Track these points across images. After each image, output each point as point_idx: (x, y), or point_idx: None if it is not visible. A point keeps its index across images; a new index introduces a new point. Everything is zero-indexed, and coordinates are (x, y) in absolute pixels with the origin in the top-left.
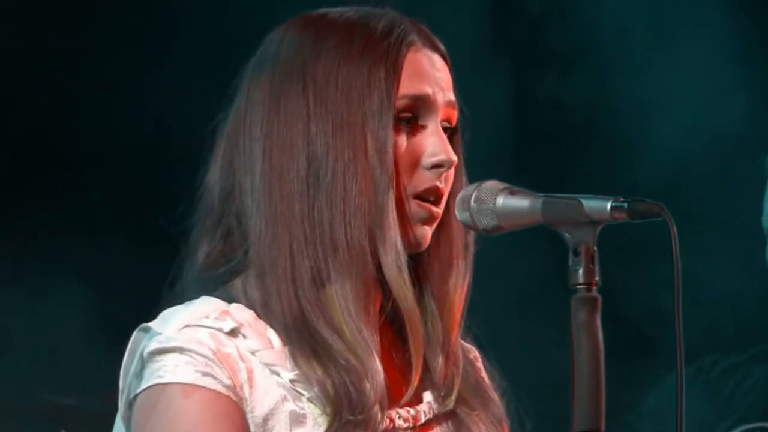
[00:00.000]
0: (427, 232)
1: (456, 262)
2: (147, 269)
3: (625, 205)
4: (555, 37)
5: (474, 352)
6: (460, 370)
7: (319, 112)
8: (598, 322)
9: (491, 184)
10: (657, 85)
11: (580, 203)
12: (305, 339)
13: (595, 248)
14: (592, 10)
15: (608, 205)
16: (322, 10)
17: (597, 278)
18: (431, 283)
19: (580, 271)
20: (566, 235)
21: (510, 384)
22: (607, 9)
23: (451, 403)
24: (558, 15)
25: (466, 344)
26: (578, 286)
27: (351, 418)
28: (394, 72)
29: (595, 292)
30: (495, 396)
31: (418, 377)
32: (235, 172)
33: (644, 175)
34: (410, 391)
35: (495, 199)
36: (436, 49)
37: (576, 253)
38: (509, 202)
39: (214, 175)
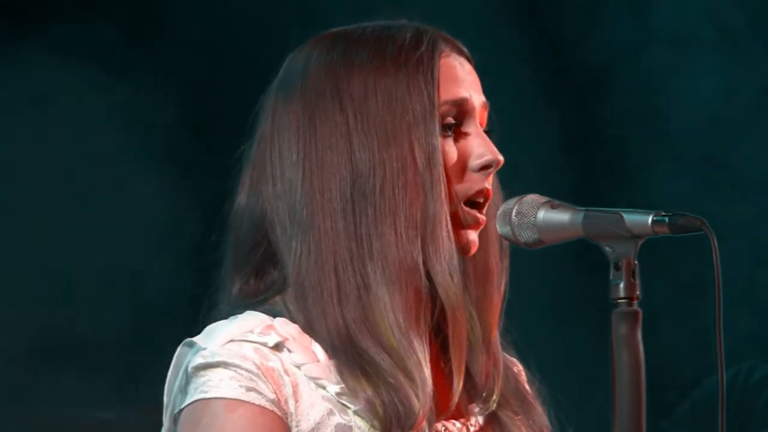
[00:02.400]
0: (475, 237)
1: (494, 264)
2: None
3: (666, 219)
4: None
5: (518, 366)
6: (501, 369)
7: (361, 127)
8: (639, 336)
9: (532, 198)
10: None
11: (621, 217)
12: (353, 358)
13: (636, 262)
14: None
15: (649, 219)
16: (341, 28)
17: (638, 292)
18: (470, 285)
19: (621, 285)
20: (607, 249)
21: (551, 390)
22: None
23: (493, 404)
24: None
25: (509, 357)
26: (619, 301)
27: None
28: (432, 79)
29: (636, 306)
30: (538, 405)
31: (461, 382)
32: (265, 201)
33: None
34: (455, 398)
35: (536, 212)
36: (462, 53)
37: (617, 267)
38: (550, 216)
39: (241, 205)
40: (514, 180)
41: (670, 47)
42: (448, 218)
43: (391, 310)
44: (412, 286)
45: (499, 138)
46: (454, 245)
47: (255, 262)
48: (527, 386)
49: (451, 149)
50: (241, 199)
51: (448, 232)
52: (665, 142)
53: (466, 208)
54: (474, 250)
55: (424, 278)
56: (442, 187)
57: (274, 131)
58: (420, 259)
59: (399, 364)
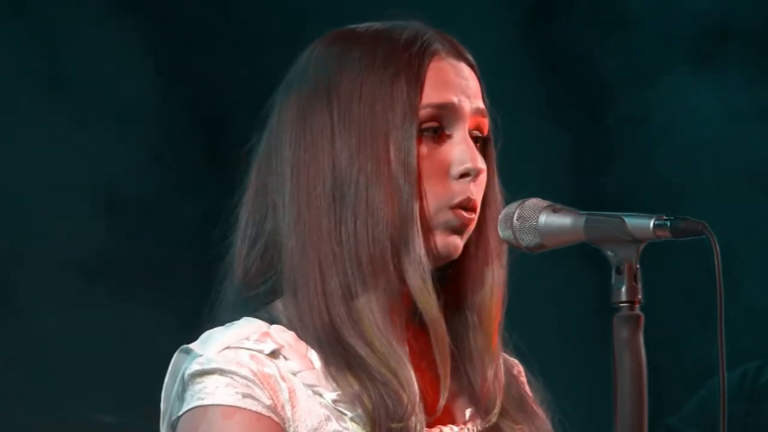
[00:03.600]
0: (457, 241)
1: (491, 271)
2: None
3: (668, 223)
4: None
5: (518, 367)
6: (502, 381)
7: (343, 126)
8: (641, 340)
9: (534, 202)
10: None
11: (623, 221)
12: (339, 353)
13: (638, 266)
14: None
15: (651, 223)
16: (351, 26)
17: (640, 296)
18: (468, 293)
19: (623, 289)
20: (609, 253)
21: (554, 395)
22: None
23: (494, 417)
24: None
25: (510, 358)
26: (621, 304)
27: (392, 425)
28: (416, 82)
29: (638, 310)
30: (540, 411)
31: (447, 383)
32: (269, 193)
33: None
34: (441, 400)
35: (537, 216)
36: (461, 58)
37: (619, 271)
38: (552, 220)
39: (249, 196)
40: (521, 189)
41: (681, 61)
42: (419, 223)
43: (369, 310)
44: (387, 287)
45: (508, 147)
46: (424, 249)
47: (259, 252)
48: (528, 388)
49: (431, 153)
50: (249, 191)
51: (419, 235)
52: (674, 152)
53: (451, 211)
54: (455, 254)
55: (397, 281)
56: (416, 191)
57: (278, 126)
58: (391, 261)
59: (383, 360)
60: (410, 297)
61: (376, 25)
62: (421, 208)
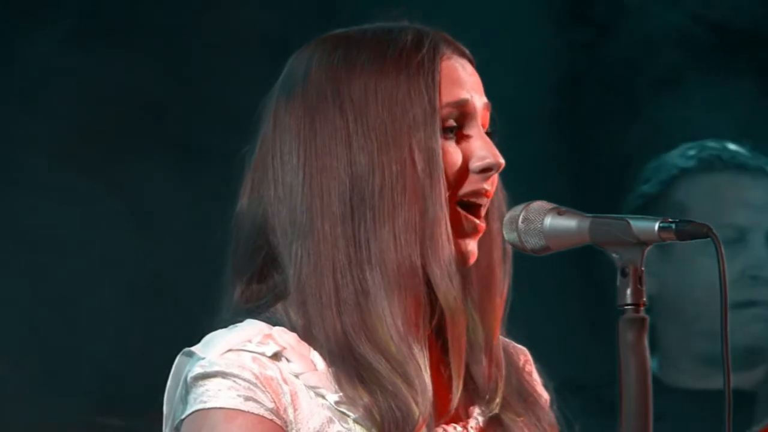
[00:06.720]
0: (474, 247)
1: (495, 268)
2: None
3: (673, 225)
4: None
5: (525, 356)
6: (503, 373)
7: (361, 130)
8: (646, 342)
9: (539, 205)
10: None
11: (628, 224)
12: (350, 364)
13: (643, 268)
14: None
15: (656, 226)
16: (342, 30)
17: (645, 298)
18: (471, 289)
19: (628, 291)
20: (614, 255)
21: (557, 385)
22: None
23: (496, 407)
24: None
25: (517, 346)
26: (626, 307)
27: None
28: (433, 82)
29: (642, 313)
30: (542, 400)
31: (460, 386)
32: (266, 204)
33: None
34: (454, 401)
35: (543, 219)
36: (463, 55)
37: (624, 274)
38: (557, 223)
39: (242, 208)
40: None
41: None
42: (448, 222)
43: (389, 315)
44: (411, 291)
45: (518, 148)
46: (453, 249)
47: (257, 266)
48: (535, 377)
49: (453, 151)
50: (243, 202)
51: (447, 236)
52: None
53: (463, 212)
54: (473, 260)
55: (423, 283)
56: (442, 191)
57: (276, 134)
58: (419, 263)
59: (398, 369)
60: (430, 300)
61: (371, 28)
62: (445, 208)
